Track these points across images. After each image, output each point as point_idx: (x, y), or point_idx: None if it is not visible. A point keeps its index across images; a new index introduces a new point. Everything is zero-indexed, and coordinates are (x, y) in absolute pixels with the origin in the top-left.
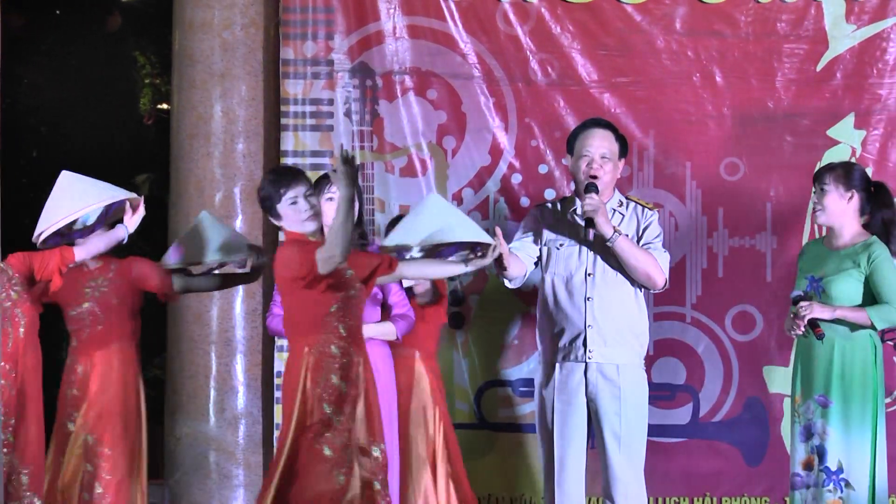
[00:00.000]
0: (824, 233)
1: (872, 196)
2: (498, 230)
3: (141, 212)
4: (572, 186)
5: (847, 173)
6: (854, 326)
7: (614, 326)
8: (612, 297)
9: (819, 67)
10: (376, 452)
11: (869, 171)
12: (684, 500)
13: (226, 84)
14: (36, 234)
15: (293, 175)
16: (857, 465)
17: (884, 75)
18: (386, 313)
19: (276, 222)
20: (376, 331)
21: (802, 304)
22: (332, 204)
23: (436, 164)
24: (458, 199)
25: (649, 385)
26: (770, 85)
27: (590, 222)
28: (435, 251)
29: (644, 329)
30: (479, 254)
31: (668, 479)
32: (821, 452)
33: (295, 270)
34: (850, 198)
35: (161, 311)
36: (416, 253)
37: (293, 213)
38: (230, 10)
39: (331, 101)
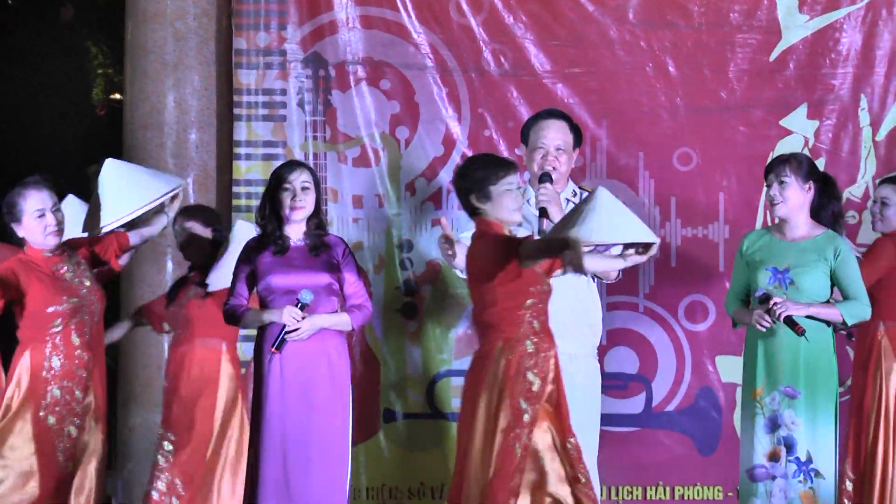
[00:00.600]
0: (770, 223)
1: (823, 188)
2: (443, 219)
3: (180, 199)
4: (526, 176)
5: (806, 165)
6: (818, 319)
7: (568, 317)
8: (566, 288)
9: (772, 58)
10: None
11: (822, 162)
12: (637, 489)
13: (178, 74)
14: (103, 223)
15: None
16: (823, 455)
17: (836, 65)
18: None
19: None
20: (332, 321)
21: (776, 301)
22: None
23: (389, 154)
24: (410, 190)
25: (602, 375)
26: (723, 75)
27: (543, 212)
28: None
29: (597, 319)
30: (640, 250)
31: (622, 468)
32: (789, 444)
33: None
34: (809, 189)
35: (114, 301)
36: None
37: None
38: (183, 1)
39: (284, 91)
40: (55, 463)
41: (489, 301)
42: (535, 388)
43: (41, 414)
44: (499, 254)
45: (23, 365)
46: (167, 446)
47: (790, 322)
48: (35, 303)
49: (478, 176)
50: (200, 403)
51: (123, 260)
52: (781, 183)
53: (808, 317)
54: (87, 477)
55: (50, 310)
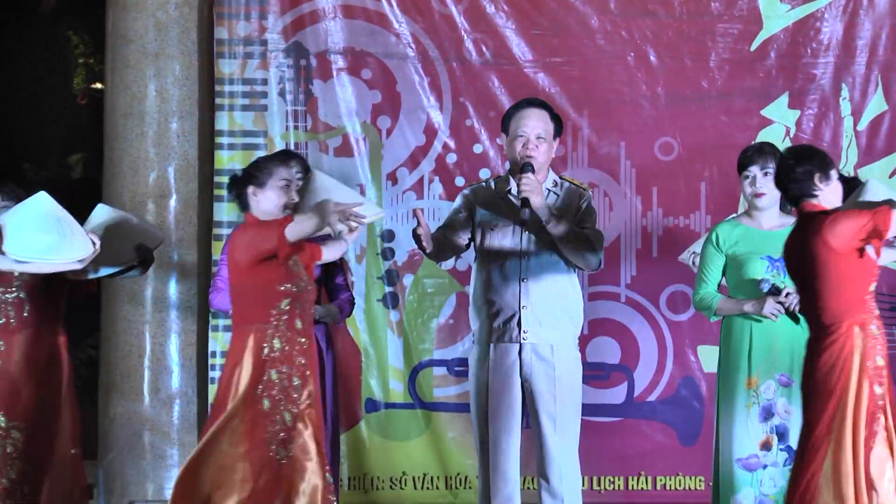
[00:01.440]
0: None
1: None
2: (417, 210)
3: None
4: (507, 166)
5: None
6: None
7: (549, 307)
8: (547, 278)
9: (753, 47)
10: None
11: None
12: (619, 479)
13: (160, 63)
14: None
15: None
16: None
17: (818, 55)
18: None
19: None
20: (319, 312)
21: (790, 291)
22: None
23: (370, 143)
24: (392, 179)
25: (584, 365)
26: (704, 65)
27: (525, 202)
28: None
29: (579, 309)
30: None
31: (603, 458)
32: (781, 432)
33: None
34: None
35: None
36: None
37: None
38: None
39: (265, 81)
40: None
41: None
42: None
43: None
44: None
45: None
46: None
47: (792, 312)
48: None
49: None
50: None
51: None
52: (766, 174)
53: None
54: None
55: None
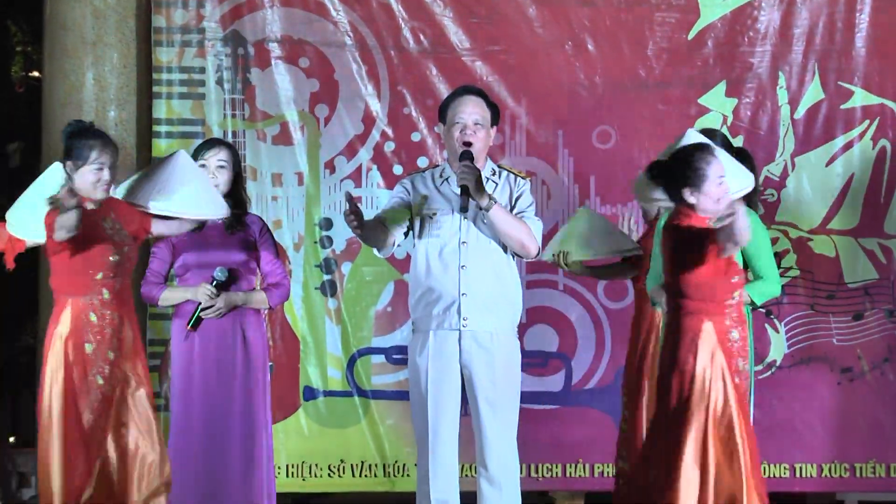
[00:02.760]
0: None
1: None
2: (348, 194)
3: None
4: (445, 154)
5: (721, 141)
6: None
7: (488, 294)
8: (486, 265)
9: (690, 36)
10: None
11: (740, 140)
12: (557, 466)
13: (97, 52)
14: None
15: None
16: None
17: (755, 43)
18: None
19: None
20: (247, 299)
21: None
22: (203, 170)
23: (308, 132)
24: (330, 168)
25: (522, 353)
26: (642, 53)
27: (465, 190)
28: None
29: (518, 297)
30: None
31: (541, 445)
32: None
33: None
34: None
35: (33, 277)
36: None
37: None
38: None
39: (202, 70)
40: None
41: None
42: None
43: None
44: None
45: None
46: None
47: None
48: None
49: None
50: None
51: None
52: None
53: None
54: None
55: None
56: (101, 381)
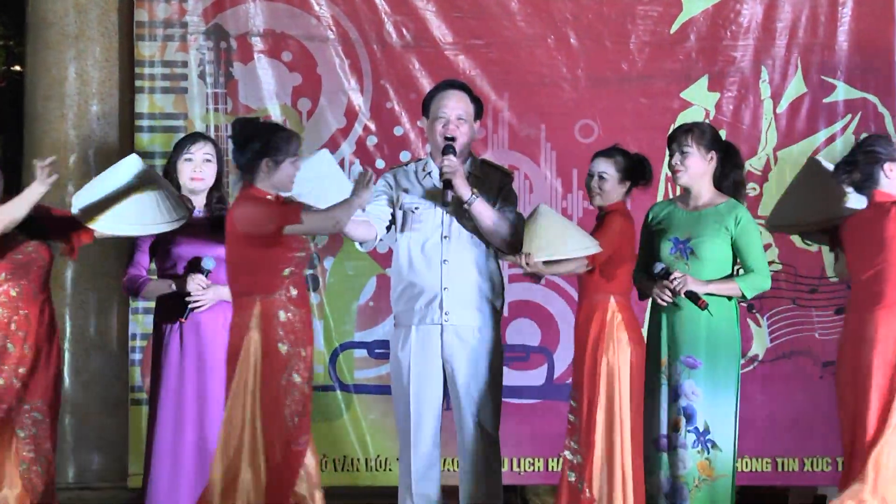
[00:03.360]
0: (676, 193)
1: (725, 157)
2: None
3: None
4: (428, 149)
5: (708, 134)
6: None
7: (470, 289)
8: (468, 260)
9: (673, 30)
10: None
11: (723, 134)
12: (539, 460)
13: (80, 46)
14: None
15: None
16: (722, 426)
17: (737, 37)
18: None
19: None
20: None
21: (676, 276)
22: (189, 164)
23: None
24: None
25: (504, 347)
26: (624, 47)
27: (447, 184)
28: None
29: (500, 291)
30: None
31: (523, 440)
32: (689, 413)
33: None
34: (711, 159)
35: None
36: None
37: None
38: None
39: (185, 64)
40: None
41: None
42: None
43: None
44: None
45: None
46: None
47: (692, 296)
48: None
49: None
50: None
51: None
52: (683, 152)
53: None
54: None
55: None
56: (298, 380)
